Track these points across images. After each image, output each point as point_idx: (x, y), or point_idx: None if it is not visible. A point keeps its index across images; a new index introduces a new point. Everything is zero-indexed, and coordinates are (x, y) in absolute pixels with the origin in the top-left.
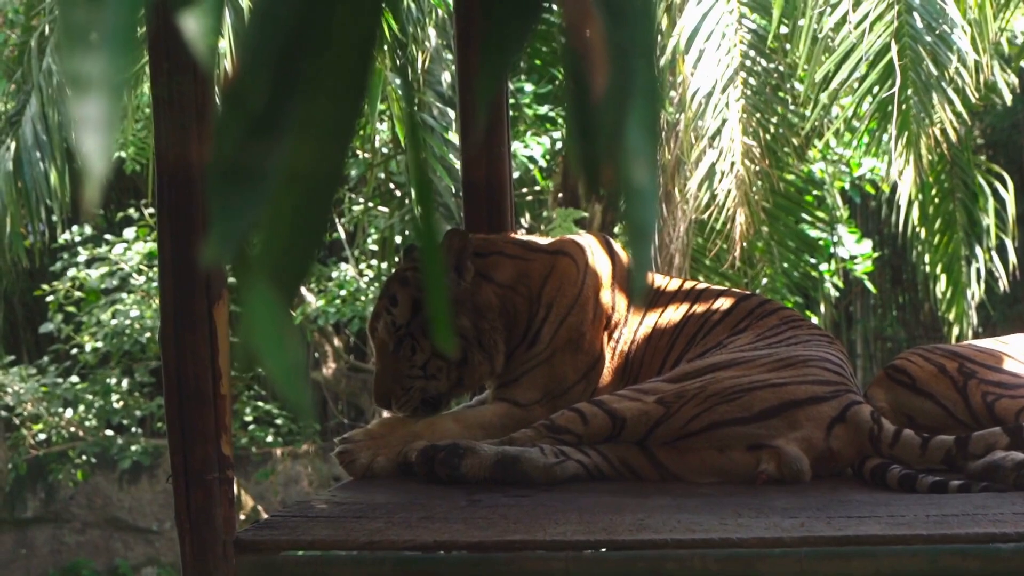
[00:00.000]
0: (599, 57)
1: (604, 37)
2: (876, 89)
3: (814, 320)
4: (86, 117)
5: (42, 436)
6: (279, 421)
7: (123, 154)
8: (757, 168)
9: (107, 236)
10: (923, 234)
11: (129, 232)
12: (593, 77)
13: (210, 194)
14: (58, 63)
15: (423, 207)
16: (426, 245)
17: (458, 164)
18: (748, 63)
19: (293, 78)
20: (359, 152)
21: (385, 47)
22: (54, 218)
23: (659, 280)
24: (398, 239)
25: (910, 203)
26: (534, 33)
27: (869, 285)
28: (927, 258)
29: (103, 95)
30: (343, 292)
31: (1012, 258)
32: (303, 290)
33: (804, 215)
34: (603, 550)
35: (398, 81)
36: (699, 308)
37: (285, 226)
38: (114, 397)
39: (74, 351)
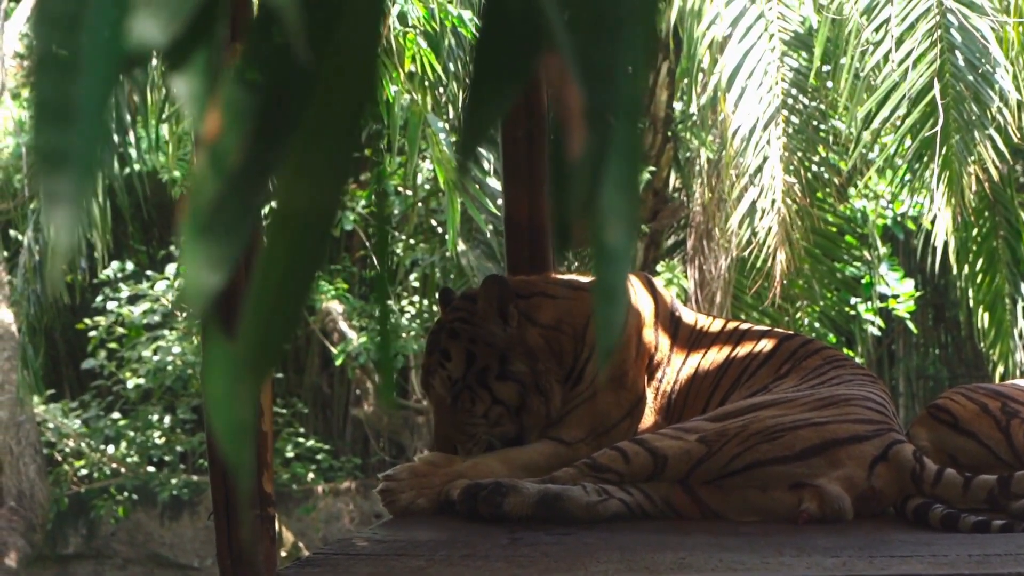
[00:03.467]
0: (576, 119)
1: (582, 99)
2: (918, 127)
3: (855, 359)
4: (56, 192)
5: (84, 472)
6: (320, 457)
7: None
8: (798, 207)
9: (149, 272)
10: (966, 272)
11: (171, 268)
12: (570, 137)
13: (185, 248)
14: (30, 138)
15: (379, 258)
16: (378, 300)
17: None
18: (790, 101)
19: (275, 135)
20: (400, 189)
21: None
22: (96, 254)
23: (702, 320)
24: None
25: (954, 241)
26: (516, 95)
27: (911, 326)
28: (970, 296)
29: (74, 171)
30: None
31: None
32: (344, 327)
33: (844, 254)
34: None
35: (439, 125)
36: (742, 349)
37: (265, 301)
38: (156, 433)
39: (116, 387)
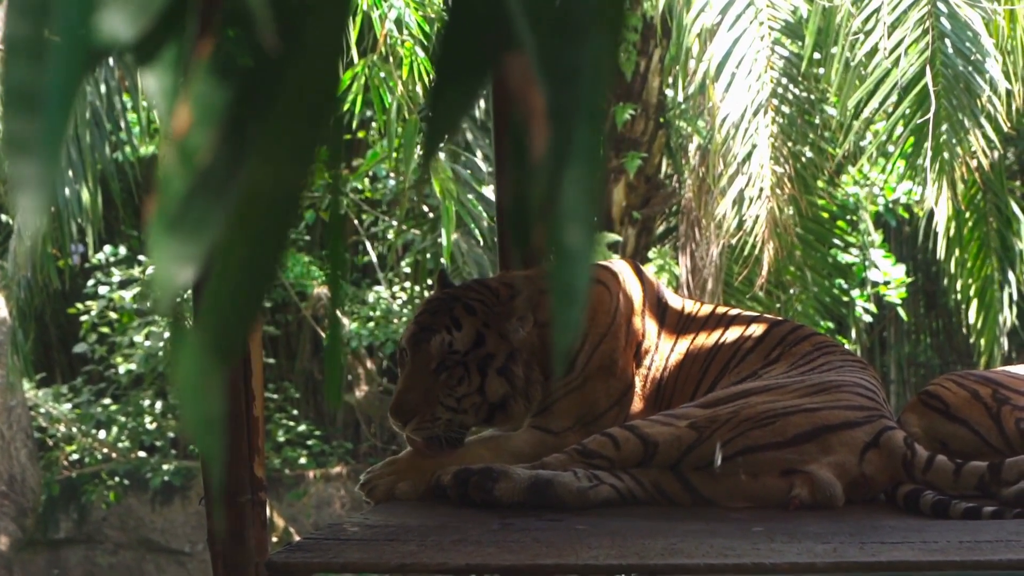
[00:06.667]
0: (539, 120)
1: (544, 101)
2: (909, 116)
3: (847, 346)
4: (22, 178)
5: (75, 457)
6: (311, 443)
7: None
8: (787, 196)
9: (141, 257)
10: (956, 259)
11: None
12: (532, 139)
13: (152, 245)
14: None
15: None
16: (330, 310)
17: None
18: (780, 90)
19: (243, 135)
20: (391, 175)
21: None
22: (88, 239)
23: (689, 305)
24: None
25: (944, 228)
26: (480, 95)
27: (902, 312)
28: (960, 283)
29: (41, 156)
30: (376, 314)
31: None
32: (337, 313)
33: (836, 241)
34: (635, 575)
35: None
36: (731, 335)
37: (227, 286)
38: (147, 419)
39: (108, 372)
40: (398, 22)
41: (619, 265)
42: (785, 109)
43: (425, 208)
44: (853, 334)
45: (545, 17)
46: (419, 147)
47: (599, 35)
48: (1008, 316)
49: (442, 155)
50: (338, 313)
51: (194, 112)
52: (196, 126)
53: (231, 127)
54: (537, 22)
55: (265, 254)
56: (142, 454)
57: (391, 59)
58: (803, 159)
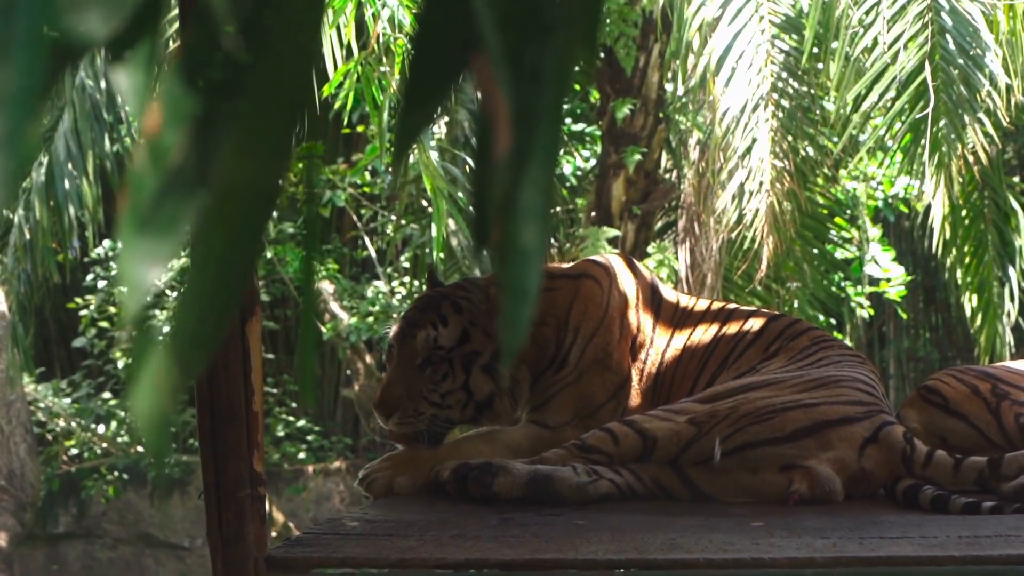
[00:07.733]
0: (503, 120)
1: (508, 102)
2: (908, 110)
3: (845, 340)
4: None
5: (74, 451)
6: (311, 438)
7: None
8: (786, 191)
9: None
10: (955, 254)
11: None
12: (496, 138)
13: (123, 243)
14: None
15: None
16: (305, 304)
17: None
18: (780, 84)
19: (214, 134)
20: (390, 171)
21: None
22: (87, 233)
23: (684, 299)
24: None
25: (942, 224)
26: (449, 95)
27: (900, 312)
28: (959, 278)
29: (2, 154)
30: (375, 309)
31: None
32: (335, 307)
33: (834, 236)
34: (634, 569)
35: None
36: (729, 329)
37: (204, 282)
38: None
39: (107, 366)
40: (391, 20)
41: (612, 259)
42: (785, 103)
43: (424, 203)
44: (848, 328)
45: (513, 18)
46: (392, 143)
47: (566, 37)
48: (1012, 310)
49: (435, 154)
50: (313, 311)
51: (165, 111)
52: (167, 125)
53: (204, 125)
54: (505, 23)
55: (242, 250)
56: (141, 449)
57: (384, 58)
58: (803, 153)
